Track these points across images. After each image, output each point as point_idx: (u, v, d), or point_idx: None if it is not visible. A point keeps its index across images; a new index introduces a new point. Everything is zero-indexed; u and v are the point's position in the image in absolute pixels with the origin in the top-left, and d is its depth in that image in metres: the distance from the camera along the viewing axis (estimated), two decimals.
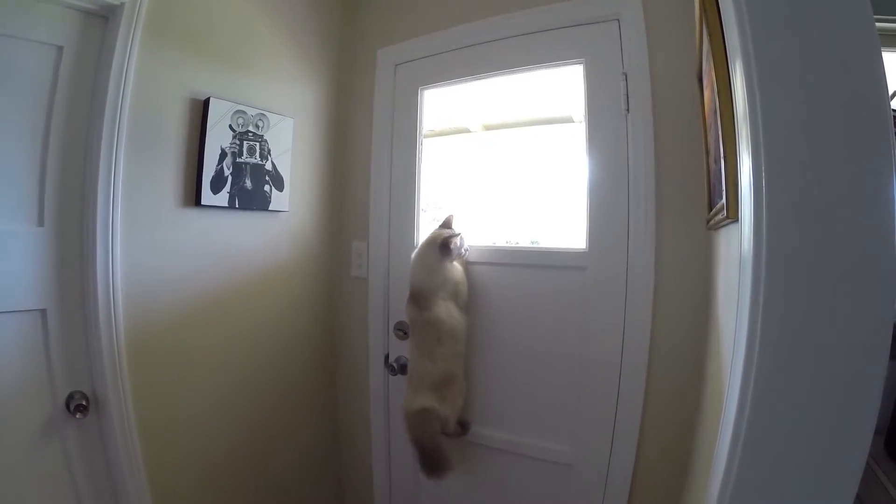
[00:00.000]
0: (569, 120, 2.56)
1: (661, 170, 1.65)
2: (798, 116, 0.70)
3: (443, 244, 1.88)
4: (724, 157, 0.95)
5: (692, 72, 1.50)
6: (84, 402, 1.55)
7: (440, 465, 1.82)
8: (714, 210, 1.21)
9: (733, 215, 0.92)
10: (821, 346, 0.69)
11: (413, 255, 1.95)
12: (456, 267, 1.94)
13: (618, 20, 1.72)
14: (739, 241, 0.82)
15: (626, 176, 1.70)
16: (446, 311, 1.85)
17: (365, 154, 2.31)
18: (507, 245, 2.58)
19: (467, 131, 2.95)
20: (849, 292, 0.67)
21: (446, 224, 1.99)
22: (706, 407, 1.34)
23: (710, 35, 1.05)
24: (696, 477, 1.28)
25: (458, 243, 1.91)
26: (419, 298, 1.85)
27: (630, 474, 1.70)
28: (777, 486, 0.73)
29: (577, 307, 1.81)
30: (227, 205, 1.88)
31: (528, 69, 1.94)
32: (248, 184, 1.95)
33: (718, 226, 1.21)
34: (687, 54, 1.55)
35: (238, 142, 1.90)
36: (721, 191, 1.06)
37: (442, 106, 2.46)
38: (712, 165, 1.26)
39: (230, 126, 1.87)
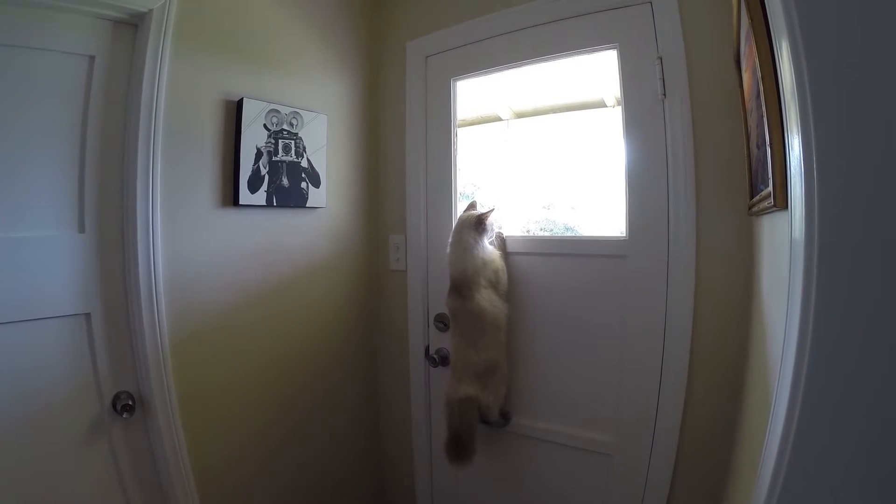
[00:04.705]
0: (601, 104, 2.52)
1: (700, 154, 1.61)
2: (851, 96, 0.67)
3: (477, 221, 1.88)
4: (770, 143, 0.92)
5: (729, 54, 1.45)
6: (130, 402, 1.60)
7: (468, 454, 1.84)
8: (758, 197, 1.17)
9: (781, 204, 0.89)
10: (875, 343, 0.66)
11: (448, 243, 1.95)
12: (494, 251, 1.93)
13: (650, 2, 1.68)
14: (789, 230, 0.80)
15: (664, 161, 1.67)
16: (489, 300, 1.85)
17: (399, 147, 2.31)
18: (546, 234, 2.57)
19: (499, 119, 2.94)
20: None
21: (471, 209, 1.98)
22: (749, 397, 1.32)
23: (750, 15, 1.02)
24: (741, 465, 1.26)
25: (492, 219, 1.91)
26: (461, 288, 1.85)
27: (672, 463, 1.69)
28: (826, 484, 0.71)
29: (618, 295, 1.79)
30: (264, 203, 1.91)
31: (561, 56, 1.91)
32: (285, 182, 1.97)
33: (762, 213, 1.18)
34: (723, 36, 1.50)
35: (273, 140, 1.92)
36: (765, 177, 1.03)
37: (472, 95, 2.45)
38: (754, 150, 1.23)
39: (264, 125, 1.89)
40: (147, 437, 1.66)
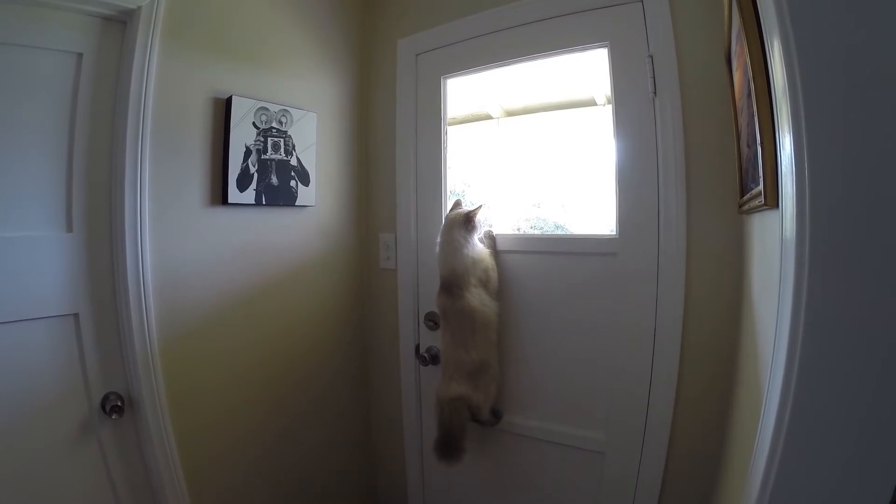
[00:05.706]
0: (592, 102, 2.53)
1: (690, 153, 1.62)
2: (843, 95, 0.67)
3: (466, 219, 1.87)
4: (762, 142, 0.92)
5: (720, 53, 1.46)
6: (119, 403, 1.58)
7: (457, 452, 1.84)
8: (748, 195, 1.18)
9: (772, 203, 0.89)
10: (866, 342, 0.67)
11: (437, 242, 1.94)
12: (484, 250, 1.93)
13: (641, 1, 1.68)
14: (780, 229, 0.80)
15: (654, 159, 1.67)
16: (479, 299, 1.85)
17: (389, 145, 2.30)
18: (536, 232, 2.57)
19: (489, 117, 2.94)
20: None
21: (456, 207, 1.98)
22: (740, 395, 1.32)
23: (741, 14, 1.02)
24: (732, 463, 1.27)
25: (480, 217, 1.90)
26: (451, 287, 1.85)
27: (663, 461, 1.69)
28: (816, 484, 0.72)
29: (608, 293, 1.79)
30: (253, 202, 1.90)
31: (552, 54, 1.91)
32: (274, 180, 1.96)
33: (753, 211, 1.18)
34: (714, 35, 1.51)
35: (262, 139, 1.91)
36: (756, 175, 1.03)
37: (463, 93, 2.44)
38: (744, 148, 1.23)
39: (253, 123, 1.88)
40: (137, 439, 1.64)
